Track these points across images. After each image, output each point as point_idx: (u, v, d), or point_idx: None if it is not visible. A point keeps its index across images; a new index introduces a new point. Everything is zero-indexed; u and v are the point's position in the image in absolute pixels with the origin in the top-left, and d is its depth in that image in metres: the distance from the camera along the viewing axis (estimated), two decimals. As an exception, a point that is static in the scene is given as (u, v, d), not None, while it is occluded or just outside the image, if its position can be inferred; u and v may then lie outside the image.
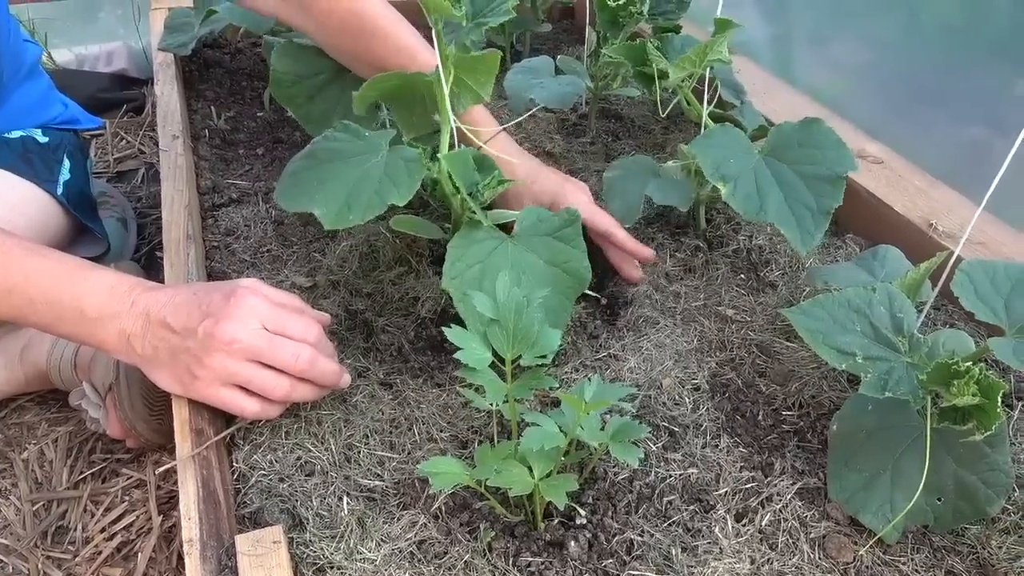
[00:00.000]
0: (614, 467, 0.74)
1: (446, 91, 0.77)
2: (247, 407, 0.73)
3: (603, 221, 0.94)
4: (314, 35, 1.03)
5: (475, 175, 0.82)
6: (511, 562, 0.66)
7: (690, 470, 0.74)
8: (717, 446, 0.76)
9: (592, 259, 0.83)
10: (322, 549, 0.67)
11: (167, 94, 1.29)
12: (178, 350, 0.72)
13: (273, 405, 0.75)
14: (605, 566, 0.66)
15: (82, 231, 1.17)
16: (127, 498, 0.98)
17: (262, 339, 0.72)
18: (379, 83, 0.81)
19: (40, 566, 0.91)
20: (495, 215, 0.86)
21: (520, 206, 0.93)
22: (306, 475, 0.74)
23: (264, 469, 0.74)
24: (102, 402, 0.98)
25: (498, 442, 0.70)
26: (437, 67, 0.75)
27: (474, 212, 0.82)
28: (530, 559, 0.66)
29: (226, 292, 0.73)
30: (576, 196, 0.95)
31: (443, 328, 0.67)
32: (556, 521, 0.69)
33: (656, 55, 0.93)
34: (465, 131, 0.89)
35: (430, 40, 0.81)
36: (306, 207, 0.77)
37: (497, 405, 0.66)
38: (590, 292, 0.93)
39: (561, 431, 0.64)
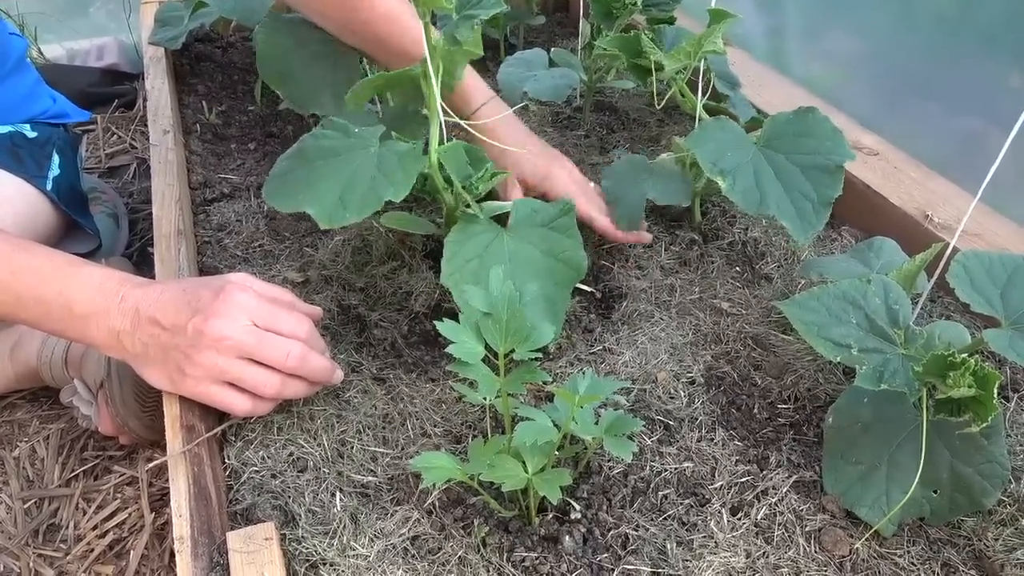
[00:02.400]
0: (609, 461, 0.73)
1: (435, 86, 0.76)
2: (237, 404, 0.73)
3: (584, 211, 0.94)
4: (301, 6, 1.03)
5: (468, 168, 0.82)
6: (505, 557, 0.66)
7: (685, 464, 0.74)
8: (712, 440, 0.76)
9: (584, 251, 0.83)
10: (315, 545, 0.66)
11: (158, 88, 1.28)
12: (168, 347, 0.72)
13: (264, 402, 0.74)
14: (600, 561, 0.66)
15: (73, 227, 1.16)
16: (119, 495, 0.98)
17: (252, 336, 0.71)
18: (372, 83, 0.81)
19: (32, 564, 0.90)
20: (489, 207, 0.86)
21: (503, 187, 0.95)
22: (298, 471, 0.73)
23: (256, 465, 0.73)
24: (93, 399, 0.97)
25: (492, 437, 0.69)
26: (425, 60, 0.74)
27: (468, 206, 0.81)
28: (524, 554, 0.65)
29: (215, 288, 0.73)
30: (563, 184, 0.97)
31: (436, 322, 0.66)
32: (550, 516, 0.69)
33: (651, 47, 0.92)
34: (460, 121, 0.88)
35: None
36: (299, 207, 0.76)
37: (491, 400, 0.66)
38: (584, 286, 0.93)
39: (554, 425, 0.63)
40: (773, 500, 0.71)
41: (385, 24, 0.98)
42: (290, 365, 0.73)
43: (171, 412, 0.75)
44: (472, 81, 0.99)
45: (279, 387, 0.73)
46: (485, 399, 0.65)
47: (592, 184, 1.01)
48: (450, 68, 0.81)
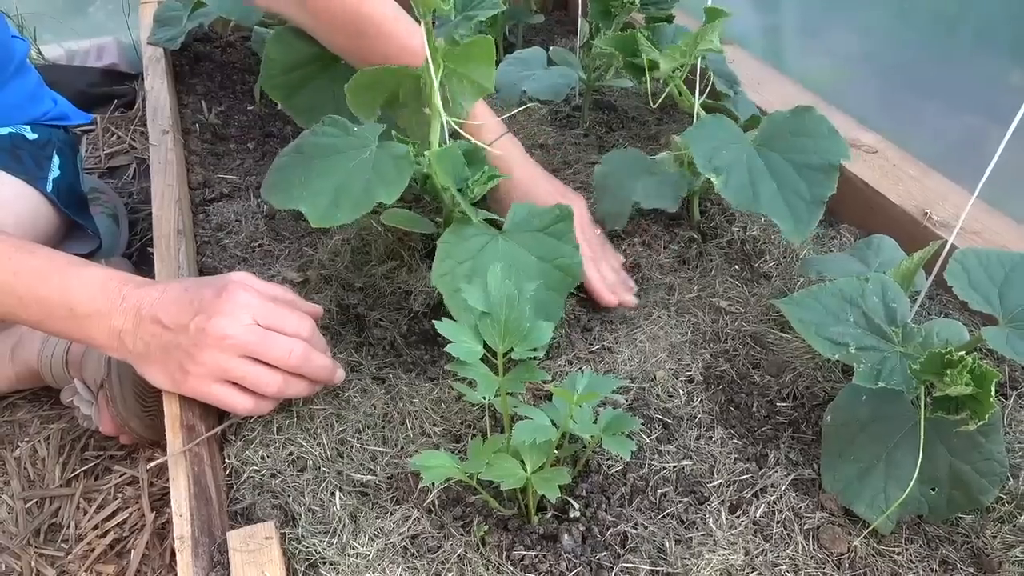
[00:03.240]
0: (607, 460, 0.73)
1: (435, 84, 0.76)
2: (239, 403, 0.73)
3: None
4: (311, 29, 0.99)
5: (465, 170, 0.81)
6: (504, 556, 0.66)
7: (684, 462, 0.74)
8: (711, 438, 0.76)
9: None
10: (315, 544, 0.66)
11: (157, 88, 1.28)
12: (170, 346, 0.72)
13: (266, 401, 0.74)
14: (599, 559, 0.66)
15: (73, 227, 1.17)
16: (120, 495, 0.98)
17: (255, 335, 0.71)
18: (373, 81, 0.80)
19: (33, 564, 0.91)
20: (483, 213, 0.85)
21: (506, 200, 0.92)
22: (298, 470, 0.73)
23: (256, 465, 0.74)
24: (94, 399, 0.97)
25: (491, 436, 0.69)
26: (426, 60, 0.74)
27: (463, 209, 0.81)
28: (524, 552, 0.66)
29: (217, 287, 0.73)
30: None
31: (435, 322, 0.66)
32: (549, 514, 0.69)
33: (647, 45, 0.93)
34: (464, 134, 0.87)
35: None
36: (293, 205, 0.76)
37: (490, 399, 0.66)
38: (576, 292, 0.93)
39: (553, 424, 0.64)
40: (772, 498, 0.71)
41: (397, 57, 0.88)
42: (292, 364, 0.73)
43: (171, 412, 0.75)
44: (484, 115, 0.95)
45: (281, 386, 0.73)
46: (484, 398, 0.65)
47: (599, 231, 0.97)
48: (457, 98, 0.80)
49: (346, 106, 0.94)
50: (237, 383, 0.73)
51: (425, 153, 0.79)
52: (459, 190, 0.79)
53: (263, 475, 0.73)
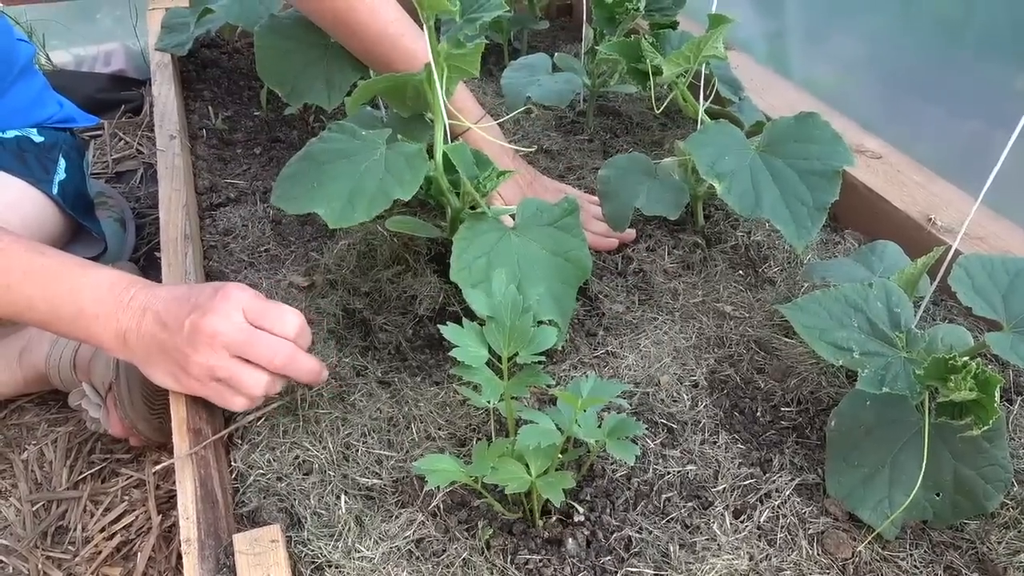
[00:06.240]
0: (612, 464, 0.74)
1: (439, 90, 0.77)
2: (233, 401, 0.73)
3: None
4: (305, 11, 1.05)
5: (475, 168, 0.83)
6: (509, 560, 0.66)
7: (688, 467, 0.74)
8: (715, 443, 0.76)
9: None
10: (320, 548, 0.67)
11: (164, 94, 1.29)
12: (167, 345, 0.73)
13: (258, 397, 0.75)
14: (603, 563, 0.66)
15: (79, 231, 1.17)
16: (127, 498, 0.99)
17: (243, 334, 0.72)
18: (372, 87, 0.81)
19: (40, 566, 0.91)
20: (494, 210, 0.86)
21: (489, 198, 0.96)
22: (304, 474, 0.74)
23: (262, 468, 0.74)
24: (102, 402, 0.98)
25: (495, 440, 0.70)
26: (429, 65, 0.75)
27: (474, 206, 0.82)
28: (528, 557, 0.66)
29: (216, 287, 0.74)
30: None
31: (440, 326, 0.67)
32: (554, 519, 0.69)
33: (650, 51, 0.93)
34: (476, 130, 0.89)
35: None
36: (307, 208, 0.77)
37: (494, 403, 0.66)
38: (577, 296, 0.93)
39: (558, 428, 0.64)
40: (776, 503, 0.71)
41: (381, 45, 0.98)
42: (278, 365, 0.73)
43: (178, 415, 0.75)
44: (464, 101, 1.00)
45: (267, 387, 0.74)
46: (489, 402, 0.66)
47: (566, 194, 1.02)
48: (447, 82, 0.82)
49: (337, 88, 1.03)
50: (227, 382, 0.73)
51: (442, 149, 0.80)
52: (474, 186, 0.80)
53: (269, 478, 0.73)
